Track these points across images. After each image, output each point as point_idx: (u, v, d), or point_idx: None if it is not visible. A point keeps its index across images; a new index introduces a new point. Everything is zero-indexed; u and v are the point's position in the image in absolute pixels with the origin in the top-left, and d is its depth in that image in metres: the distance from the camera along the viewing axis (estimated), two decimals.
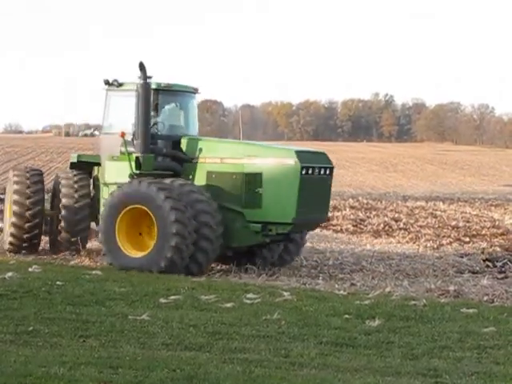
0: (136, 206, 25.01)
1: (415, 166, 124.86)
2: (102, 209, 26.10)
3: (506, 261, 29.40)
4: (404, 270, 26.97)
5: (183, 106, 27.62)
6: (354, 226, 48.74)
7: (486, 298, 22.98)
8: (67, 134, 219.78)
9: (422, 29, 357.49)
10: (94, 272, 25.10)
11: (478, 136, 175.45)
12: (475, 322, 18.47)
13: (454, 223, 45.72)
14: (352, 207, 59.70)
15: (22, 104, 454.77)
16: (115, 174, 25.95)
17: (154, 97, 25.71)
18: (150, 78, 25.63)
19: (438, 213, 52.75)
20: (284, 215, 24.25)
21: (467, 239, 38.08)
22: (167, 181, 24.56)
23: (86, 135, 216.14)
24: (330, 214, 36.33)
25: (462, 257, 33.17)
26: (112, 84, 26.47)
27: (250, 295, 20.67)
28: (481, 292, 23.87)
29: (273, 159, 24.52)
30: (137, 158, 24.72)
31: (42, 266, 26.20)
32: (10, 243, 28.55)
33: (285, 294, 21.43)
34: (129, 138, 25.30)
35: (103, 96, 27.36)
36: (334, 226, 47.70)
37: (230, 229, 24.66)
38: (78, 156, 29.49)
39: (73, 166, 29.20)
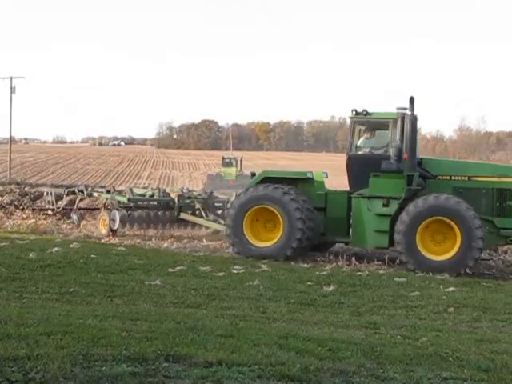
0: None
1: None
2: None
3: None
4: (353, 250, 26.85)
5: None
6: None
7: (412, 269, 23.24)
8: (100, 144, 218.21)
9: (362, 63, 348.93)
10: (119, 248, 25.09)
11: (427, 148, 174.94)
12: (404, 288, 18.61)
13: None
14: None
15: (65, 119, 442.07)
16: (379, 188, 23.62)
17: (400, 124, 23.56)
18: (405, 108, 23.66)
19: None
20: None
21: None
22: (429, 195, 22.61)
23: (114, 145, 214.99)
24: None
25: None
26: (360, 113, 24.36)
27: (236, 267, 20.73)
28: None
29: None
30: (408, 176, 22.92)
31: (81, 243, 26.16)
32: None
33: (263, 266, 21.50)
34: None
35: (349, 123, 25.52)
36: None
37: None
38: (270, 172, 26.31)
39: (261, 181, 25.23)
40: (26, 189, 59.96)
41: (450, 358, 9.94)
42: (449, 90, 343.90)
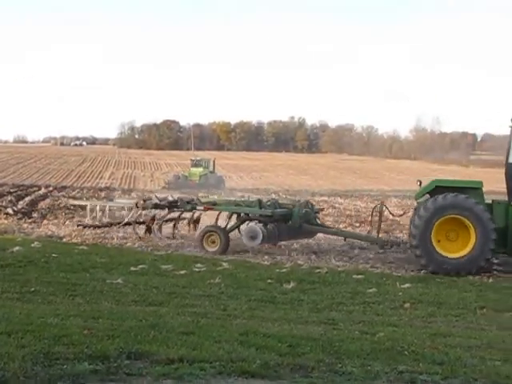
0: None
1: (321, 170, 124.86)
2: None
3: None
4: (312, 248, 26.95)
5: None
6: None
7: (368, 266, 23.30)
8: (61, 144, 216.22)
9: (325, 66, 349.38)
10: (81, 247, 24.99)
11: (366, 149, 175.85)
12: (362, 285, 18.70)
13: (348, 213, 45.49)
14: None
15: (26, 118, 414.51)
16: None
17: None
18: None
19: (337, 205, 52.41)
20: None
21: (358, 224, 37.99)
22: None
23: (75, 145, 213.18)
24: None
25: None
26: None
27: (198, 265, 20.73)
28: (366, 262, 24.21)
29: None
30: None
31: (42, 242, 26.01)
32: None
33: (224, 264, 21.52)
34: None
35: (509, 131, 22.96)
36: None
37: None
38: (441, 181, 24.73)
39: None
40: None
41: (406, 353, 10.04)
42: (405, 91, 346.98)
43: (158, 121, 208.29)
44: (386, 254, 26.10)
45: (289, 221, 25.37)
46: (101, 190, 69.36)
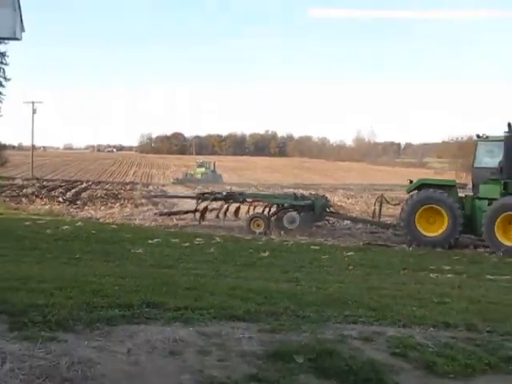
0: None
1: (288, 170, 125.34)
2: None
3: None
4: (282, 226, 27.04)
5: None
6: None
7: (323, 239, 23.42)
8: (98, 151, 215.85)
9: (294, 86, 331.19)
10: (112, 226, 24.99)
11: (321, 154, 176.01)
12: (318, 253, 18.82)
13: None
14: None
15: (72, 130, 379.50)
16: (486, 192, 22.37)
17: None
18: None
19: (304, 193, 52.50)
20: None
21: None
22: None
23: (108, 151, 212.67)
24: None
25: None
26: (481, 137, 22.74)
27: (198, 239, 20.76)
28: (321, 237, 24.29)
29: None
30: (505, 183, 21.72)
31: (84, 222, 26.00)
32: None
33: (217, 238, 21.55)
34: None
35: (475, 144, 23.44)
36: None
37: None
38: (425, 180, 25.02)
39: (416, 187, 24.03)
40: (44, 183, 59.75)
41: (350, 302, 10.08)
42: (347, 106, 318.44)
43: (169, 133, 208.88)
44: (336, 231, 26.23)
45: (313, 209, 25.36)
46: (126, 183, 69.16)
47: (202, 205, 28.05)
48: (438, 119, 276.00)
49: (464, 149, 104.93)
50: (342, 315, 8.95)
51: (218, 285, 11.23)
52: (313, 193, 30.75)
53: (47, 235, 19.88)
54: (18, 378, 5.44)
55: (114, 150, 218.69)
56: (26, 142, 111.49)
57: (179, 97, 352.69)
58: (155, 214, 30.42)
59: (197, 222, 26.70)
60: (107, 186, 60.65)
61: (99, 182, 69.48)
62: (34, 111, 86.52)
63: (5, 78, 65.48)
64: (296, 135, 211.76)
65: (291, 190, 35.79)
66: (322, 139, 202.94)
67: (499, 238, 20.95)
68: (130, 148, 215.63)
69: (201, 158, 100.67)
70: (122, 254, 16.27)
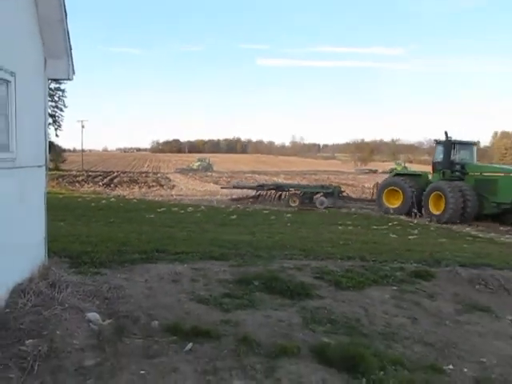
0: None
1: (249, 162, 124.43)
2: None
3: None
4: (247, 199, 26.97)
5: (469, 149, 20.82)
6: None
7: (276, 208, 23.42)
8: (124, 151, 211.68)
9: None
10: (134, 200, 24.72)
11: (270, 151, 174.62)
12: (268, 216, 18.85)
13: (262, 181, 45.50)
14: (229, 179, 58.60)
15: (108, 135, 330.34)
16: (433, 178, 21.04)
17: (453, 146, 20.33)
18: (450, 137, 20.43)
19: (256, 176, 52.73)
20: (507, 199, 18.18)
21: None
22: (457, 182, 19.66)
23: (131, 151, 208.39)
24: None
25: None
26: (435, 141, 21.28)
27: (189, 208, 20.63)
28: (271, 205, 24.36)
29: (504, 173, 18.89)
30: (443, 172, 20.38)
31: (116, 198, 25.70)
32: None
33: (202, 207, 21.47)
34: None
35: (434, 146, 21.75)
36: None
37: (483, 204, 19.01)
38: (399, 171, 24.30)
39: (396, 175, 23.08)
40: (90, 173, 58.75)
41: (288, 246, 10.19)
42: (286, 120, 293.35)
43: (170, 139, 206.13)
44: (266, 201, 25.43)
45: (333, 195, 24.45)
46: (142, 172, 68.11)
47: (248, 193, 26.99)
48: (344, 126, 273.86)
49: (359, 147, 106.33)
50: (283, 254, 9.06)
51: (203, 237, 11.24)
52: (333, 184, 28.68)
53: (92, 207, 19.62)
54: (76, 297, 5.50)
55: (135, 150, 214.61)
56: (78, 147, 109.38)
57: (177, 113, 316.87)
58: (232, 199, 26.94)
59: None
60: (130, 174, 59.86)
61: (125, 172, 68.39)
62: (82, 126, 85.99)
63: (64, 106, 68.62)
64: (253, 139, 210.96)
65: (319, 182, 34.10)
66: (270, 142, 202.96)
67: (431, 209, 19.70)
68: (145, 149, 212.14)
69: (201, 156, 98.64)
70: (140, 219, 16.11)
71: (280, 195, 25.30)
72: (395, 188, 21.68)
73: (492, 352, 5.48)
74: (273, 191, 25.74)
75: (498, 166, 22.99)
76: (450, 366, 4.94)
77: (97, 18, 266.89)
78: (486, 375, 4.82)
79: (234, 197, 27.77)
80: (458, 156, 20.44)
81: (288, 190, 25.21)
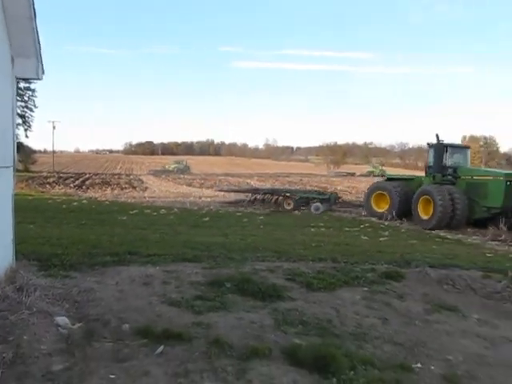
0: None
1: (222, 165, 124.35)
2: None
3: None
4: (219, 202, 26.91)
5: (462, 153, 20.25)
6: (200, 185, 45.33)
7: (244, 209, 23.35)
8: (96, 153, 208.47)
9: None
10: (106, 202, 24.38)
11: (244, 154, 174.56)
12: (241, 218, 18.77)
13: (236, 183, 45.62)
14: (202, 179, 58.47)
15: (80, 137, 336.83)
16: (425, 181, 20.25)
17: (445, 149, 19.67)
18: (442, 140, 19.81)
19: (230, 178, 52.82)
20: (497, 203, 17.50)
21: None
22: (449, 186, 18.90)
23: (104, 153, 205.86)
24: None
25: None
26: (428, 144, 20.38)
27: (162, 210, 20.44)
28: (244, 207, 24.33)
29: (493, 176, 18.10)
30: (433, 175, 19.61)
31: (88, 200, 25.28)
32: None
33: (175, 209, 21.30)
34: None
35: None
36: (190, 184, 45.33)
37: (473, 208, 18.26)
38: (391, 175, 23.51)
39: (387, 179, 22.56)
40: (61, 174, 57.69)
41: (260, 248, 10.21)
42: (260, 124, 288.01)
43: (143, 141, 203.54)
44: (263, 205, 25.26)
45: (329, 201, 24.10)
46: (115, 174, 67.24)
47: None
48: (318, 129, 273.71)
49: (332, 150, 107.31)
50: (255, 256, 9.07)
51: (175, 239, 11.17)
52: (328, 191, 28.59)
53: (63, 209, 19.29)
54: (44, 301, 5.40)
55: (107, 152, 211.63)
56: (49, 148, 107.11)
57: (150, 114, 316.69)
58: (225, 203, 26.72)
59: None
60: (103, 176, 59.02)
61: (97, 174, 67.35)
62: (53, 127, 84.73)
63: (34, 106, 66.55)
64: (227, 142, 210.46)
65: (315, 188, 33.63)
66: (243, 144, 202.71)
67: (420, 214, 18.89)
68: (118, 151, 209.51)
69: (178, 158, 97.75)
70: (113, 221, 15.91)
71: (277, 199, 25.20)
72: (382, 192, 21.24)
73: (459, 350, 5.60)
74: (269, 195, 25.63)
75: (488, 169, 22.72)
76: (419, 365, 5.02)
77: (68, 17, 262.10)
78: (453, 372, 4.92)
79: (228, 200, 27.52)
80: (450, 160, 19.95)
81: (284, 195, 25.00)
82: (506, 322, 6.94)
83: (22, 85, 58.51)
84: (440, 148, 19.76)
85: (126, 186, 43.15)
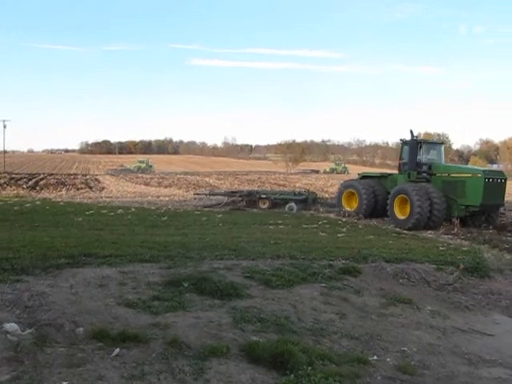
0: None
1: (181, 163, 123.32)
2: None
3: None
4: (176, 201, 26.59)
5: (436, 149, 19.75)
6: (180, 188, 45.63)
7: (203, 207, 23.21)
8: (51, 152, 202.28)
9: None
10: (61, 203, 23.69)
11: (202, 152, 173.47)
12: (199, 216, 18.52)
13: (192, 181, 45.21)
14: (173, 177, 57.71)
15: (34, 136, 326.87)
16: (400, 179, 19.46)
17: (419, 146, 19.12)
18: (416, 136, 19.72)
19: (189, 177, 52.36)
20: (475, 201, 17.23)
21: (193, 187, 37.40)
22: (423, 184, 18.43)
23: (59, 153, 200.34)
24: None
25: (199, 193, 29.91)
26: (401, 140, 19.74)
27: (119, 210, 19.89)
28: (203, 206, 24.14)
29: (471, 174, 17.71)
30: (408, 173, 18.88)
31: (41, 201, 24.49)
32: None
33: (133, 209, 20.88)
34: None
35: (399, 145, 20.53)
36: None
37: (451, 207, 17.62)
38: (365, 173, 22.58)
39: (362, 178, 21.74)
40: (13, 175, 55.71)
41: (219, 246, 10.13)
42: (218, 123, 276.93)
43: (100, 140, 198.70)
44: (219, 203, 25.16)
45: (306, 201, 23.64)
46: (70, 175, 65.52)
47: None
48: (277, 127, 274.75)
49: (290, 147, 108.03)
50: (213, 255, 9.01)
51: (132, 240, 10.96)
52: (310, 191, 27.06)
53: (15, 211, 18.55)
54: None
55: (63, 152, 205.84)
56: None
57: (107, 113, 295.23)
58: (206, 206, 25.04)
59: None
60: (58, 177, 57.37)
61: (52, 174, 65.38)
62: (4, 126, 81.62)
63: None
64: (185, 140, 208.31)
65: (291, 189, 33.11)
66: (202, 143, 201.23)
67: (396, 214, 18.27)
68: (74, 150, 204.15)
69: (142, 157, 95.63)
70: (68, 222, 15.40)
71: (255, 201, 24.74)
72: (352, 190, 20.94)
73: (413, 341, 5.75)
74: (245, 197, 25.20)
75: (465, 166, 22.55)
76: (375, 357, 5.13)
77: (21, 13, 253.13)
78: (407, 363, 5.06)
79: (208, 203, 27.16)
80: (425, 156, 19.44)
81: (260, 197, 24.61)
82: (457, 313, 7.19)
83: None
84: (414, 144, 19.37)
85: (82, 186, 42.07)
